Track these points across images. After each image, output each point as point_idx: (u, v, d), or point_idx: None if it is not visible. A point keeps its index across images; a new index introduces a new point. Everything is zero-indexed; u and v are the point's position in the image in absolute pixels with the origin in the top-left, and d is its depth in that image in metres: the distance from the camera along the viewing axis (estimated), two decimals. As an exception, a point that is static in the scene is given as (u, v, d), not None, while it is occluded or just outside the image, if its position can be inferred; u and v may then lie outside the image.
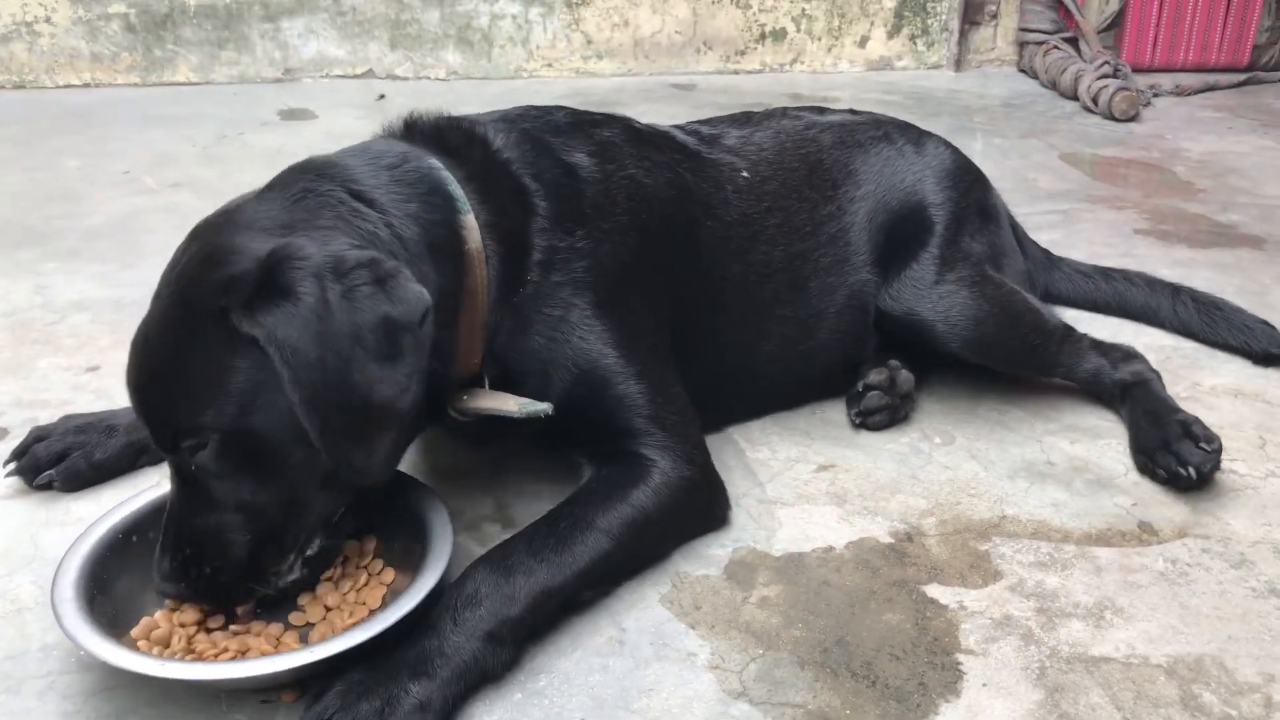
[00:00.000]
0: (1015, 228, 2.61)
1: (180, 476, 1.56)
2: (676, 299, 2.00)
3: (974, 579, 1.82)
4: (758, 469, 2.10)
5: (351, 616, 1.64)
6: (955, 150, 2.48)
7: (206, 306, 1.48)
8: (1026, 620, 1.72)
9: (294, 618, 1.65)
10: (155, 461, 2.07)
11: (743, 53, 5.37)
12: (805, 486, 2.06)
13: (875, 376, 2.23)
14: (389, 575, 1.72)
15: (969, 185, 2.41)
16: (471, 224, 1.74)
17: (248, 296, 1.45)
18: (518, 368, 1.81)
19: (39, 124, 4.41)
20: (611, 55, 5.25)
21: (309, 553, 1.61)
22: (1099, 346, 2.32)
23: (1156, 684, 1.59)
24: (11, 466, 1.99)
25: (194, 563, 1.54)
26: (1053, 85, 5.09)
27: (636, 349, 1.87)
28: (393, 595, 1.66)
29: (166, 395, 1.52)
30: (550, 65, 5.21)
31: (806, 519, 1.97)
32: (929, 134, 2.49)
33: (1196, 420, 2.09)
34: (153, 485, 1.86)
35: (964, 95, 5.13)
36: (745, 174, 2.17)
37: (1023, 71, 5.47)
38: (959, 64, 5.50)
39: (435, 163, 1.78)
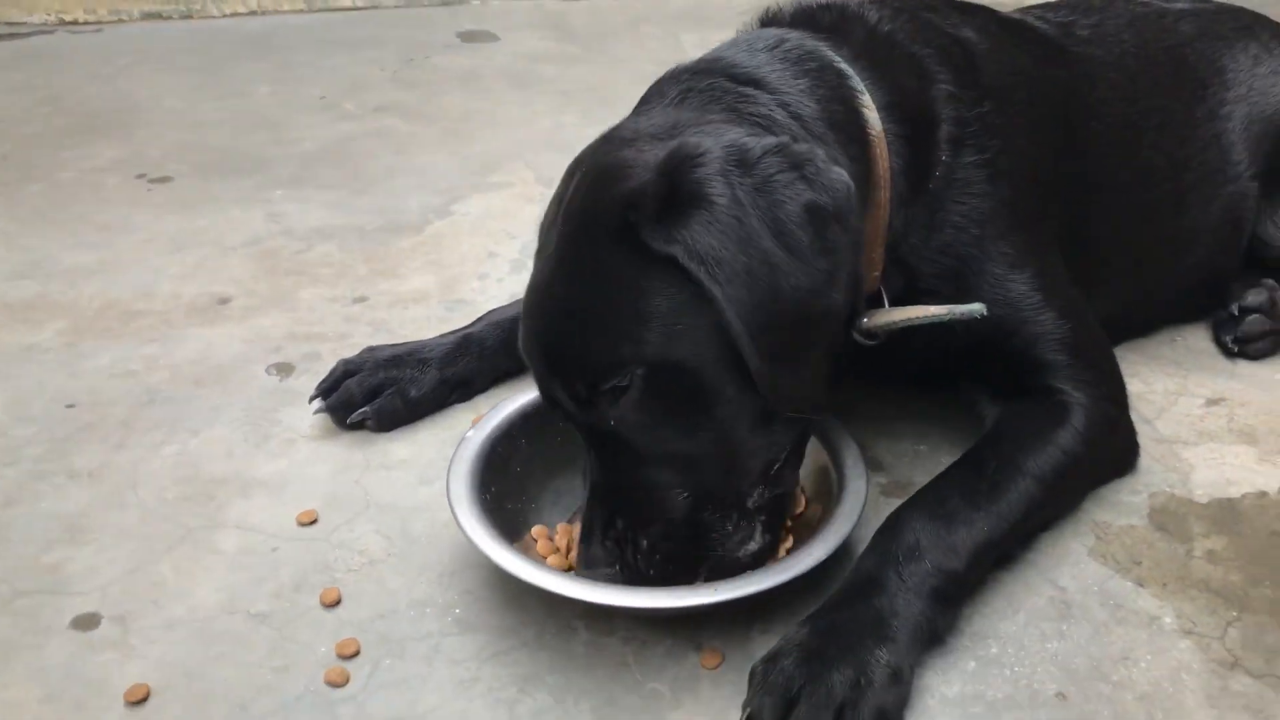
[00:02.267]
0: None
1: (597, 439, 1.34)
2: (1063, 209, 1.75)
3: None
4: (1138, 403, 1.84)
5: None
6: (1324, 47, 2.17)
7: (608, 228, 1.27)
8: None
9: None
10: (465, 398, 1.89)
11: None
12: (1201, 423, 1.81)
13: (1254, 298, 1.96)
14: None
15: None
16: (869, 103, 1.50)
17: (655, 209, 1.24)
18: (928, 276, 1.56)
19: (217, 52, 4.24)
20: (795, -34, 4.91)
21: (751, 504, 1.38)
22: None
23: None
24: (320, 404, 1.82)
25: (629, 538, 1.33)
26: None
27: (1048, 261, 1.62)
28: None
29: (576, 336, 1.30)
30: (731, -22, 4.90)
31: (1218, 460, 1.72)
32: (1292, 26, 2.18)
33: None
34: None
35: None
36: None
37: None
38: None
39: (818, 40, 1.54)
